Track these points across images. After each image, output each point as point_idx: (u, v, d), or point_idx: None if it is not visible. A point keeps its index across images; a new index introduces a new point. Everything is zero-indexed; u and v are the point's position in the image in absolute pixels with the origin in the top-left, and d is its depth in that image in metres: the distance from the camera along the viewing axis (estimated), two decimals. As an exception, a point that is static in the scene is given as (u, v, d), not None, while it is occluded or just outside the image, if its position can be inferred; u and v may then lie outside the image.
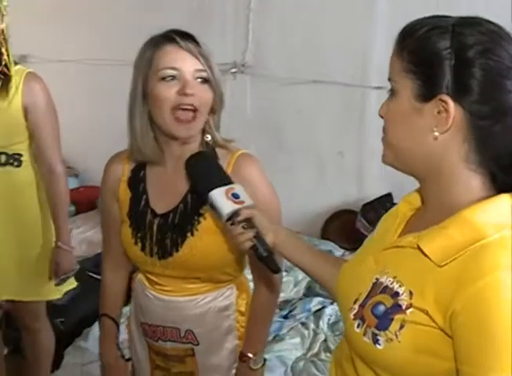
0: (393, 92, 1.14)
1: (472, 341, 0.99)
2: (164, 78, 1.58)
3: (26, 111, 2.50)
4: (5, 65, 2.44)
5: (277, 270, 1.53)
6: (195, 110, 1.60)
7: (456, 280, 1.01)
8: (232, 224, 1.49)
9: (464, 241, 1.04)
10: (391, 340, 1.06)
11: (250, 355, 1.76)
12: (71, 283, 2.80)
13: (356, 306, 1.16)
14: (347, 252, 4.00)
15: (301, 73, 4.22)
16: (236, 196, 1.50)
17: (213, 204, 1.51)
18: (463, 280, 1.00)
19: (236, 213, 1.48)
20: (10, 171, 2.55)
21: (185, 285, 1.73)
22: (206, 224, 1.65)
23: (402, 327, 1.06)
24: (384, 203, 4.05)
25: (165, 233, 1.68)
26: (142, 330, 1.82)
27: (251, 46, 4.40)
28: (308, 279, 3.59)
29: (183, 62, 1.59)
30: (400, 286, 1.09)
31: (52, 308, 3.20)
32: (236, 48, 4.39)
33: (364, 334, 1.11)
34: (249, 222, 1.48)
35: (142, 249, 1.71)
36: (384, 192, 4.05)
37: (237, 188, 1.53)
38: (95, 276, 3.52)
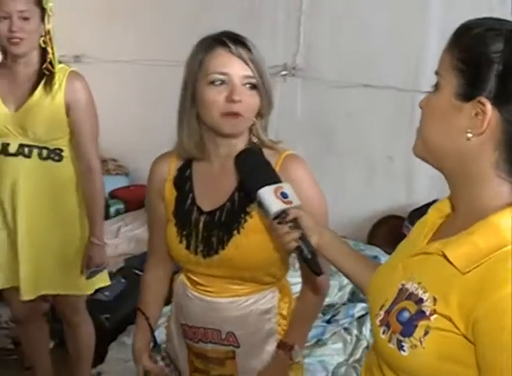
0: (437, 87, 1.14)
1: (492, 349, 0.98)
2: (212, 82, 1.60)
3: (68, 108, 2.58)
4: (50, 62, 2.55)
5: (319, 273, 1.53)
6: (241, 115, 1.62)
7: (479, 287, 1.00)
8: (279, 223, 1.50)
9: (488, 248, 1.03)
10: (416, 346, 1.06)
11: (292, 344, 1.74)
12: (104, 281, 2.86)
13: (382, 312, 1.16)
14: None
15: (352, 76, 4.19)
16: (284, 195, 1.51)
17: (261, 201, 1.52)
18: (485, 287, 0.99)
19: (283, 212, 1.49)
20: (51, 165, 2.63)
21: (228, 286, 1.73)
22: (252, 222, 1.66)
23: (426, 333, 1.05)
24: (433, 209, 3.98)
25: (211, 230, 1.69)
26: (182, 332, 1.83)
27: (302, 49, 4.39)
28: (353, 284, 3.56)
29: (232, 67, 1.60)
30: (424, 292, 1.09)
31: (98, 304, 3.26)
32: (287, 50, 4.39)
33: (389, 341, 1.11)
34: (295, 223, 1.49)
35: (187, 247, 1.71)
36: (432, 198, 3.99)
37: (286, 187, 1.53)
38: (141, 273, 3.55)
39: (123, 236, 4.52)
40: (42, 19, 2.56)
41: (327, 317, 3.38)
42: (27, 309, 2.86)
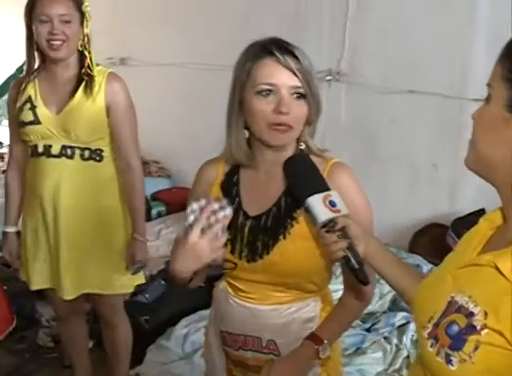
0: (488, 98, 1.13)
1: None
2: (260, 92, 1.61)
3: (108, 109, 2.62)
4: (88, 66, 2.60)
5: (366, 282, 1.53)
6: (289, 126, 1.62)
7: None
8: (326, 232, 1.50)
9: None
10: (465, 361, 1.04)
11: (322, 338, 1.69)
12: (140, 278, 2.88)
13: (430, 325, 1.14)
14: (436, 267, 3.87)
15: (397, 82, 4.14)
16: (332, 203, 1.51)
17: (309, 209, 1.52)
18: None
19: (331, 221, 1.49)
20: (92, 165, 2.66)
21: (271, 293, 1.71)
22: (299, 228, 1.65)
23: (476, 348, 1.03)
24: (477, 219, 3.90)
25: (257, 235, 1.68)
26: (222, 339, 1.81)
27: (347, 54, 4.36)
28: (394, 292, 3.52)
29: (280, 77, 1.60)
30: (475, 306, 1.06)
31: (138, 306, 3.28)
32: (332, 55, 4.36)
33: (437, 354, 1.09)
34: (343, 232, 1.48)
35: (232, 251, 1.70)
36: (477, 207, 3.92)
37: (334, 195, 1.53)
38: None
39: (164, 239, 4.55)
40: (81, 24, 2.60)
41: (367, 326, 3.34)
42: (69, 308, 2.90)
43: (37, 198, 2.67)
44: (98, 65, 2.67)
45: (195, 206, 1.49)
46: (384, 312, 3.47)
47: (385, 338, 3.23)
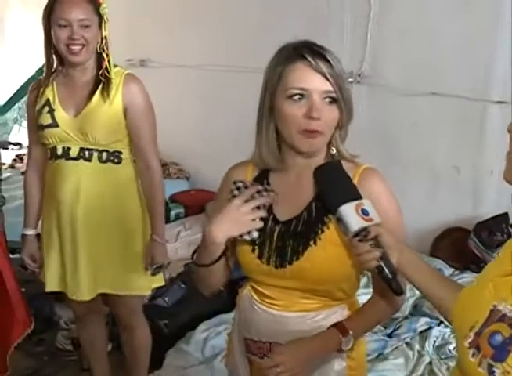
0: None
1: None
2: (291, 97, 1.58)
3: (125, 111, 2.60)
4: (106, 68, 2.59)
5: (400, 293, 1.51)
6: (320, 132, 1.59)
7: None
8: (359, 241, 1.47)
9: None
10: (509, 373, 1.00)
11: (348, 329, 1.64)
12: (159, 281, 2.86)
13: (472, 334, 1.11)
14: (457, 272, 3.85)
15: (419, 84, 4.10)
16: (365, 212, 1.48)
17: (341, 218, 1.50)
18: None
19: (364, 230, 1.47)
20: (111, 168, 2.65)
21: (298, 299, 1.68)
22: (329, 234, 1.61)
23: None
24: (500, 223, 3.87)
25: (286, 240, 1.65)
26: (246, 347, 1.77)
27: (368, 56, 4.32)
28: (415, 297, 3.48)
29: (312, 82, 1.57)
30: None
31: (157, 309, 3.26)
32: (353, 57, 4.32)
33: (479, 365, 1.06)
34: (376, 241, 1.46)
35: (260, 256, 1.66)
36: (500, 211, 3.88)
37: (366, 204, 1.50)
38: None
39: (183, 241, 4.54)
40: (100, 26, 2.58)
41: (389, 331, 3.30)
42: (87, 308, 2.89)
43: (55, 201, 2.66)
44: (116, 66, 2.66)
45: (240, 183, 1.62)
46: (406, 318, 3.42)
47: (407, 343, 3.18)
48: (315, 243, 1.62)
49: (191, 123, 5.54)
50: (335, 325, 1.64)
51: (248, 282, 1.78)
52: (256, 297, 1.73)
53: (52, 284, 2.75)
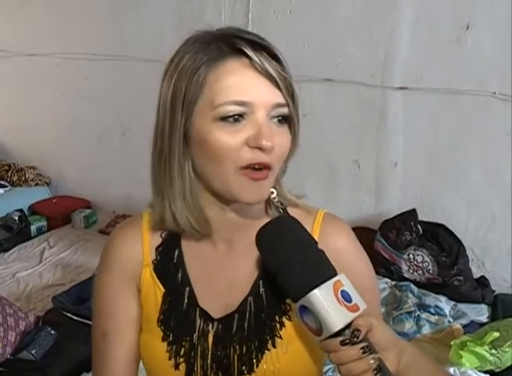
0: None
1: None
2: (225, 118, 0.99)
3: None
4: None
5: None
6: (270, 168, 1.02)
7: None
8: (342, 343, 0.91)
9: None
10: None
11: None
12: None
13: None
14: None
15: (309, 70, 3.64)
16: (346, 297, 0.93)
17: (311, 308, 0.92)
18: None
19: (348, 325, 0.92)
20: None
21: None
22: (292, 328, 1.09)
23: None
24: (407, 220, 3.53)
25: (228, 347, 1.09)
26: None
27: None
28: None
29: (257, 92, 0.99)
30: None
31: (24, 365, 2.64)
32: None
33: None
34: (368, 341, 0.92)
35: (188, 374, 1.09)
36: (405, 208, 3.53)
37: (344, 282, 0.95)
38: (75, 317, 2.93)
39: (48, 262, 3.84)
40: None
41: None
42: None
43: None
44: None
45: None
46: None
47: None
48: (273, 345, 1.07)
49: (48, 118, 4.85)
50: None
51: None
52: None
53: None
